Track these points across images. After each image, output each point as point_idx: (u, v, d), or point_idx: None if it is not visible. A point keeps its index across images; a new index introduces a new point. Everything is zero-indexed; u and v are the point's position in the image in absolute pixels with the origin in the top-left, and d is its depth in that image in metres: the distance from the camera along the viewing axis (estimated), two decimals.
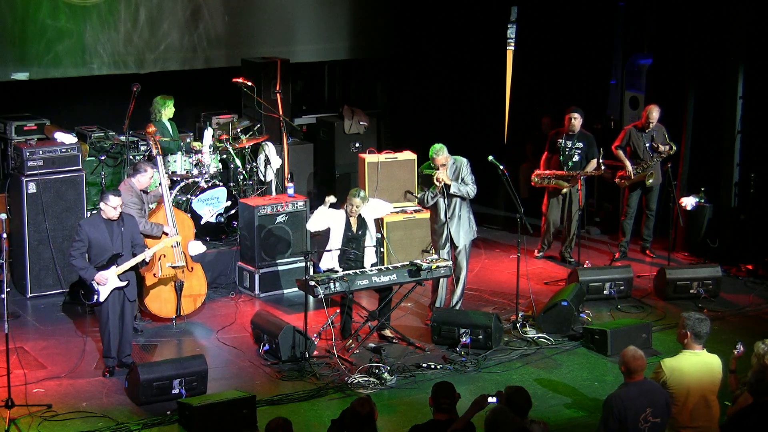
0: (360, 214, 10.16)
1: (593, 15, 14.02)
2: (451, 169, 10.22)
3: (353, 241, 10.13)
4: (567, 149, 12.06)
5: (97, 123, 12.79)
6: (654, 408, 6.74)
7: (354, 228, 10.13)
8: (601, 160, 11.89)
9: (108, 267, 9.06)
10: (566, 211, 12.22)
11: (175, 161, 11.75)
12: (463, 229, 10.34)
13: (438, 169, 10.15)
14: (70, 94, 13.33)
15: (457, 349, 9.71)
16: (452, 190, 10.19)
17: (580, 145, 12.07)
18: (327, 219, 10.12)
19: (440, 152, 10.16)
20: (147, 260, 9.35)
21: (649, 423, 6.71)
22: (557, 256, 12.44)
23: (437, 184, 10.14)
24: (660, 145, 12.09)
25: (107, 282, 9.04)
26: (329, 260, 10.08)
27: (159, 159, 10.45)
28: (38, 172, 10.92)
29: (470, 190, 10.27)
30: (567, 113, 12.09)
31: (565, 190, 12.09)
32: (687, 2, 12.72)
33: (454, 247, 10.35)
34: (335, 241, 10.07)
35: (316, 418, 8.42)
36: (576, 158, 12.08)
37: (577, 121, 12.03)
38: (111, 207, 9.00)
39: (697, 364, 7.13)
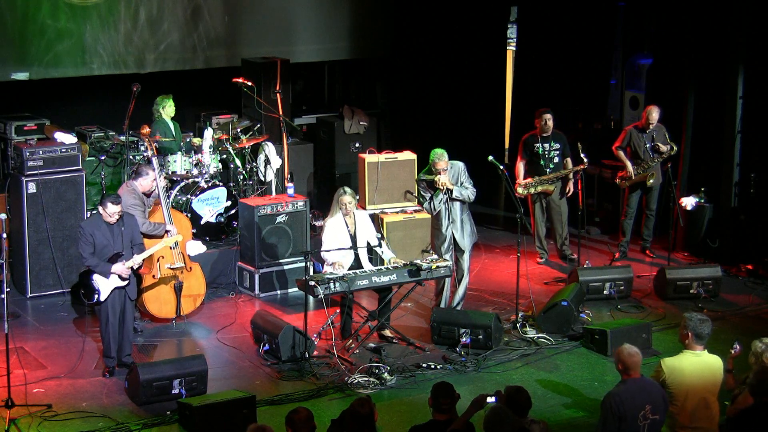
0: (354, 216, 10.13)
1: (593, 15, 14.02)
2: (449, 173, 10.19)
3: (353, 244, 10.12)
4: (546, 152, 12.02)
5: (97, 123, 12.80)
6: (653, 405, 6.74)
7: (352, 230, 10.12)
8: (582, 154, 11.81)
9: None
10: (551, 213, 12.20)
11: (175, 161, 11.75)
12: (466, 233, 10.32)
13: (439, 174, 10.10)
14: (70, 94, 13.34)
15: (457, 349, 9.71)
16: (455, 194, 10.16)
17: (557, 145, 12.05)
18: (331, 232, 10.06)
19: (442, 157, 10.10)
20: (140, 262, 9.32)
21: (648, 420, 6.72)
22: (557, 257, 12.43)
23: (441, 188, 10.09)
24: (661, 145, 12.09)
25: (122, 272, 9.04)
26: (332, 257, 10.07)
27: (154, 160, 10.45)
28: (38, 172, 10.92)
29: (471, 193, 10.25)
30: (539, 115, 11.99)
31: (553, 194, 12.08)
32: (687, 2, 12.72)
33: (459, 251, 10.33)
34: (342, 243, 10.05)
35: (316, 418, 8.30)
36: (556, 159, 12.06)
37: (551, 122, 11.98)
38: (107, 214, 9.00)
39: (697, 364, 7.13)
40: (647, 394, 6.76)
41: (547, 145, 12.00)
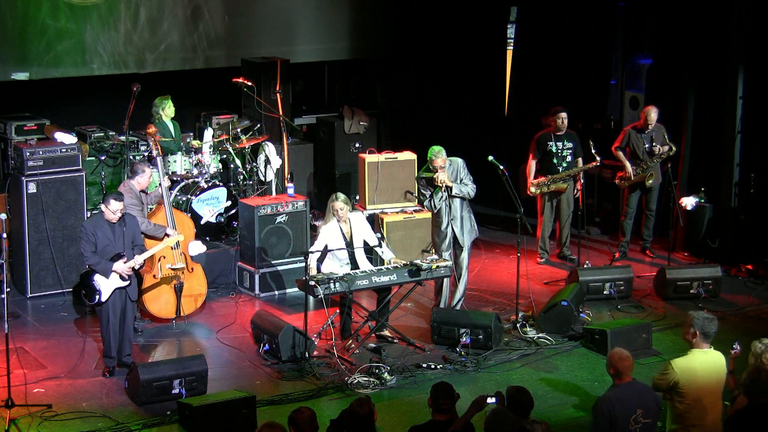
0: (349, 220, 10.13)
1: (593, 15, 14.01)
2: (449, 170, 10.20)
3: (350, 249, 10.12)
4: (559, 151, 12.02)
5: (97, 123, 12.79)
6: (645, 409, 6.74)
7: (348, 235, 10.12)
8: (593, 151, 11.81)
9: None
10: (561, 212, 12.21)
11: (175, 161, 11.76)
12: (465, 229, 10.32)
13: (437, 171, 10.10)
14: (70, 94, 13.34)
15: (457, 349, 9.71)
16: (454, 191, 10.17)
17: (570, 144, 12.06)
18: (324, 238, 10.08)
19: (439, 154, 10.11)
20: (142, 263, 9.32)
21: (639, 424, 6.72)
22: (557, 258, 12.44)
23: (440, 185, 10.10)
24: (659, 147, 12.08)
25: (123, 271, 9.03)
26: (329, 265, 10.08)
27: (159, 159, 10.46)
28: (38, 172, 10.92)
29: (470, 190, 10.25)
30: (554, 113, 11.98)
31: (566, 192, 12.07)
32: (687, 2, 12.72)
33: (458, 247, 10.33)
34: (338, 252, 10.06)
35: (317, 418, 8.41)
36: (569, 158, 12.06)
37: (566, 120, 12.00)
38: (110, 211, 9.00)
39: (707, 363, 7.14)
40: (639, 398, 6.76)
41: (560, 144, 12.00)
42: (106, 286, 9.07)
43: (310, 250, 10.04)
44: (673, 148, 12.14)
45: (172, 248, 10.19)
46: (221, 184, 11.95)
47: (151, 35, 13.44)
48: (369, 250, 10.44)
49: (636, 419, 6.71)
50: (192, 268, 10.47)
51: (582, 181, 11.96)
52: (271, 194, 12.22)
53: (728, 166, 12.33)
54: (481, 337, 9.80)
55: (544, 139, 12.08)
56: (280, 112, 12.67)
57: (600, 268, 11.65)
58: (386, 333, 10.11)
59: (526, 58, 14.52)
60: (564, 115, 11.98)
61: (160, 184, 10.35)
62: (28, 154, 10.89)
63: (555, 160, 12.03)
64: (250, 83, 12.65)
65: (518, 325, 10.28)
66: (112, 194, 9.12)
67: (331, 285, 9.52)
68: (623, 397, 6.74)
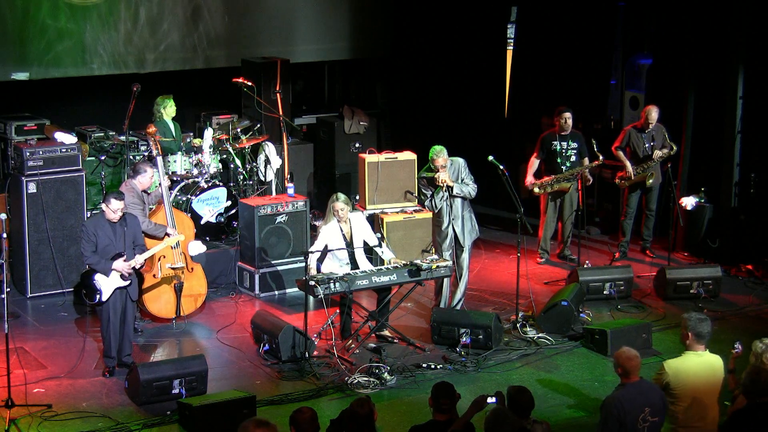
0: (350, 220, 10.13)
1: (593, 15, 14.01)
2: (450, 170, 10.20)
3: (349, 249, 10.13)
4: (563, 151, 12.04)
5: (97, 123, 12.80)
6: (652, 407, 6.75)
7: (348, 236, 10.11)
8: (596, 149, 11.82)
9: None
10: (563, 212, 12.22)
11: (175, 161, 11.76)
12: (466, 229, 10.33)
13: (438, 171, 10.11)
14: (70, 94, 13.34)
15: (457, 349, 9.71)
16: (455, 191, 10.17)
17: (574, 144, 12.06)
18: (324, 238, 10.08)
19: (440, 153, 10.12)
20: (142, 262, 9.32)
21: (648, 423, 6.73)
22: (557, 258, 12.44)
23: (441, 185, 10.11)
24: (657, 150, 12.08)
25: (123, 270, 9.03)
26: (329, 266, 10.08)
27: (159, 159, 10.46)
28: (38, 172, 10.92)
29: (471, 190, 10.26)
30: (559, 114, 12.01)
31: (569, 191, 12.08)
32: (687, 2, 12.72)
33: (459, 247, 10.33)
34: (338, 253, 10.06)
35: None
36: (573, 158, 12.07)
37: (570, 120, 12.02)
38: (111, 210, 8.99)
39: (700, 365, 7.14)
40: (646, 397, 6.77)
41: (564, 144, 12.01)
42: (106, 285, 9.07)
43: (310, 250, 10.05)
44: (674, 148, 12.14)
45: (172, 248, 10.19)
46: (221, 184, 11.95)
47: (151, 35, 13.44)
48: (369, 250, 10.44)
49: (644, 418, 6.71)
50: (192, 268, 10.47)
51: (588, 180, 11.99)
52: (271, 194, 12.22)
53: (728, 166, 12.34)
54: (481, 337, 9.80)
55: (549, 139, 12.10)
56: (280, 112, 12.67)
57: (600, 268, 11.65)
58: (386, 333, 10.11)
59: (526, 58, 14.52)
60: (568, 114, 11.99)
61: (160, 184, 10.36)
62: (28, 154, 10.89)
63: (559, 160, 12.03)
64: (250, 83, 12.65)
65: (518, 325, 10.28)
66: (112, 193, 9.12)
67: (331, 285, 9.52)
68: (631, 396, 6.74)
